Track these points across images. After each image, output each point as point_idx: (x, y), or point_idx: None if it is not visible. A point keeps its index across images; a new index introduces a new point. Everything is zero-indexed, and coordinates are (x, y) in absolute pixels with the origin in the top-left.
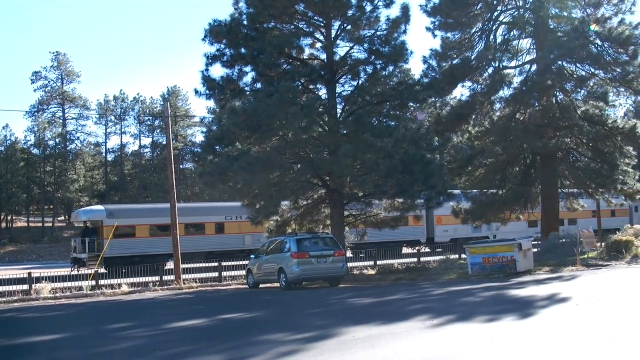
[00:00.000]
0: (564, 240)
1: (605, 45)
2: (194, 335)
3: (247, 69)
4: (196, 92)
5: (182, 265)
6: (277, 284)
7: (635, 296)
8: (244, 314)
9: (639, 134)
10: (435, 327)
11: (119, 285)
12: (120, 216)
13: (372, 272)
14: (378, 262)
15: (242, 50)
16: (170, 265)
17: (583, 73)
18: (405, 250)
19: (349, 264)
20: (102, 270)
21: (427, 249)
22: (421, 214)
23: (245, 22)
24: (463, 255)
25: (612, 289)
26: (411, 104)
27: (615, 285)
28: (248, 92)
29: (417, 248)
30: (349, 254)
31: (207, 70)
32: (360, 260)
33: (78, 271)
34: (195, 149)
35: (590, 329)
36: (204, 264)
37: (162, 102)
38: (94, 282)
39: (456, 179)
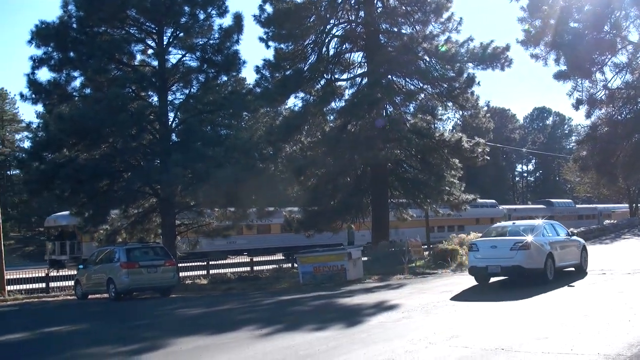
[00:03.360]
0: (393, 249)
1: (433, 62)
2: (13, 351)
3: (76, 73)
4: (22, 96)
5: (7, 276)
6: (107, 295)
7: (457, 303)
8: (70, 326)
9: (464, 147)
10: (263, 336)
11: None
12: None
13: (204, 281)
14: (211, 272)
15: (71, 54)
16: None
17: (412, 87)
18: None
19: (183, 274)
20: None
21: None
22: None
23: (74, 26)
24: (296, 265)
25: (436, 297)
26: (245, 113)
27: (440, 293)
28: (77, 98)
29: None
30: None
31: (33, 73)
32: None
33: None
34: (22, 155)
35: (414, 337)
36: (30, 275)
37: None
38: None
39: (289, 189)
